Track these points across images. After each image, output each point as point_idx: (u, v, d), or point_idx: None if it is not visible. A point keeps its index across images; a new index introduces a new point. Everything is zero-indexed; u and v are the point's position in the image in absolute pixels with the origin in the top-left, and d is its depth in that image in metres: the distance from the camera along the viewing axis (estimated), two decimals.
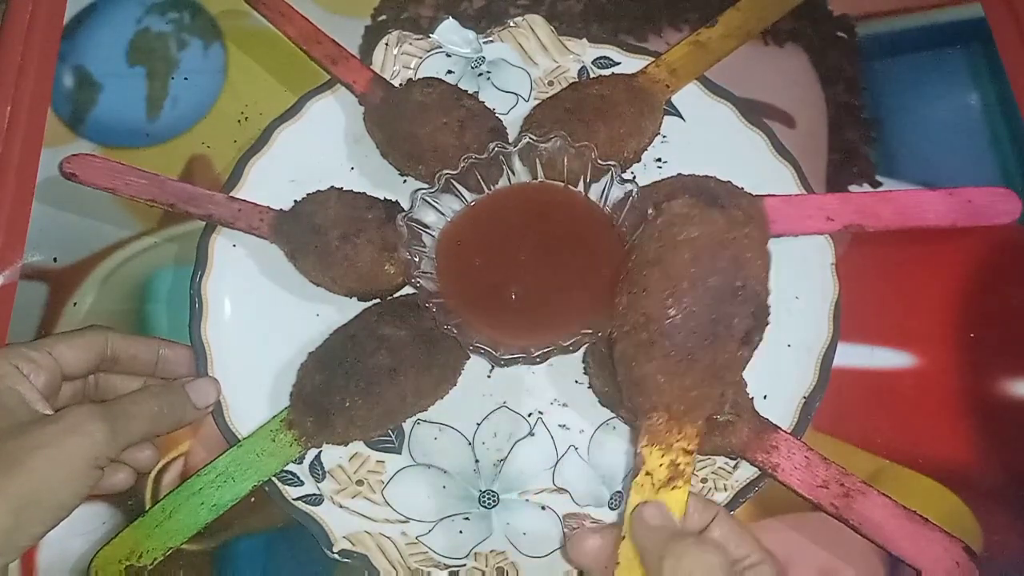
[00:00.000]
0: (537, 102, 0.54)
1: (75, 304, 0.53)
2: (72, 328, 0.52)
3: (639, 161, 0.54)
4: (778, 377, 0.48)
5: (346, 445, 0.47)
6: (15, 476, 0.38)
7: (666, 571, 0.34)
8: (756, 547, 0.37)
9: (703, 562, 0.34)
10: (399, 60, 0.58)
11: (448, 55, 0.58)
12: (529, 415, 0.48)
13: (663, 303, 0.38)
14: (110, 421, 0.41)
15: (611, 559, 0.36)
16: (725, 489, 0.46)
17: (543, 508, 0.46)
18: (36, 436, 0.39)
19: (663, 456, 0.38)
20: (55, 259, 0.54)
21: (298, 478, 0.47)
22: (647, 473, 0.37)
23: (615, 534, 0.37)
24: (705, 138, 0.55)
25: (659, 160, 0.54)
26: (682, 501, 0.37)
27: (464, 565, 0.45)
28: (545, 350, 0.44)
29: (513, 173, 0.49)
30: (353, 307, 0.49)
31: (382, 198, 0.50)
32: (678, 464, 0.37)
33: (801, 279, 0.50)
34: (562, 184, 0.49)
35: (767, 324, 0.39)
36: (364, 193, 0.50)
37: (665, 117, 0.54)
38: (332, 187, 0.50)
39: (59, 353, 0.44)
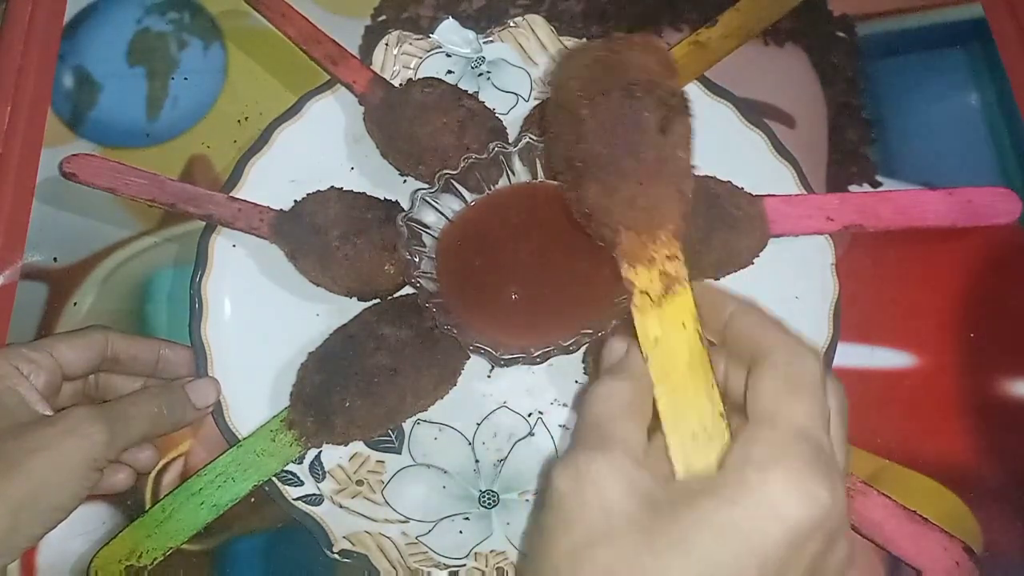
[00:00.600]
0: (537, 102, 0.54)
1: (75, 304, 0.53)
2: (72, 328, 0.52)
3: None
4: None
5: (346, 445, 0.47)
6: (13, 478, 0.38)
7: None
8: (770, 336, 0.33)
9: None
10: (399, 60, 0.58)
11: (448, 55, 0.58)
12: (529, 415, 0.48)
13: (573, 136, 0.38)
14: (109, 423, 0.41)
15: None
16: None
17: None
18: (35, 438, 0.39)
19: (650, 271, 0.35)
20: (55, 259, 0.54)
21: (298, 478, 0.47)
22: (642, 292, 0.35)
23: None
24: (705, 138, 0.54)
25: None
26: (689, 303, 0.34)
27: (464, 565, 0.45)
28: (545, 350, 0.44)
29: (513, 173, 0.49)
30: (353, 307, 0.49)
31: (382, 198, 0.50)
32: (667, 272, 0.35)
33: (801, 279, 0.50)
34: None
35: (687, 108, 0.38)
36: (364, 193, 0.50)
37: None
38: (332, 187, 0.50)
39: (60, 353, 0.44)
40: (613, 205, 0.37)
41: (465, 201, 0.49)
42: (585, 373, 0.48)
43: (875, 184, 0.55)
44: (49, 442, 0.39)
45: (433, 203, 0.48)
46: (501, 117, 0.54)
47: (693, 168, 0.38)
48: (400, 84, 0.55)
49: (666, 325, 0.34)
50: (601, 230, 0.38)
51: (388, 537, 0.46)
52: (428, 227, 0.48)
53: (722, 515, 0.28)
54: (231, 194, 0.52)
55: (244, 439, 0.46)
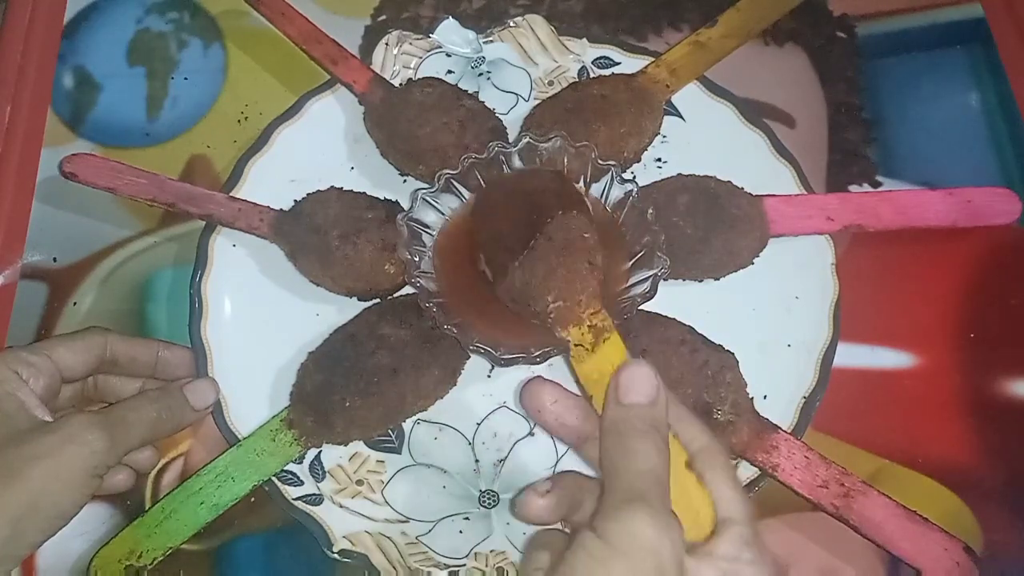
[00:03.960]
0: (537, 102, 0.54)
1: (75, 304, 0.53)
2: (72, 328, 0.52)
3: (639, 161, 0.54)
4: (778, 377, 0.48)
5: (346, 445, 0.47)
6: (13, 486, 0.38)
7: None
8: (702, 431, 0.36)
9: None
10: (399, 60, 0.58)
11: (448, 55, 0.58)
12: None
13: (495, 246, 0.44)
14: (108, 429, 0.41)
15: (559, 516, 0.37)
16: None
17: None
18: (35, 446, 0.39)
19: (581, 327, 0.40)
20: (55, 259, 0.54)
21: (298, 478, 0.47)
22: (576, 345, 0.39)
23: (559, 494, 0.37)
24: (705, 138, 0.55)
25: (659, 160, 0.54)
26: (619, 346, 0.39)
27: (464, 565, 0.45)
28: (545, 350, 0.44)
29: None
30: (353, 307, 0.49)
31: (382, 198, 0.50)
32: (596, 325, 0.40)
33: (801, 279, 0.50)
34: None
35: (582, 203, 0.44)
36: (364, 193, 0.50)
37: (665, 117, 0.54)
38: (332, 187, 0.50)
39: (58, 356, 0.44)
40: (536, 285, 0.42)
41: (465, 201, 0.49)
42: None
43: (875, 184, 0.55)
44: (49, 450, 0.39)
45: (433, 203, 0.48)
46: (501, 117, 0.54)
47: (597, 245, 0.43)
48: (400, 84, 0.55)
49: (603, 365, 0.38)
50: (533, 306, 0.42)
51: (388, 537, 0.46)
52: (428, 227, 0.48)
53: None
54: (231, 194, 0.53)
55: (244, 439, 0.46)
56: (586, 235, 0.43)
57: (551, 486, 0.37)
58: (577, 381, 0.39)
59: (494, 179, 0.48)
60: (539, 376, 0.41)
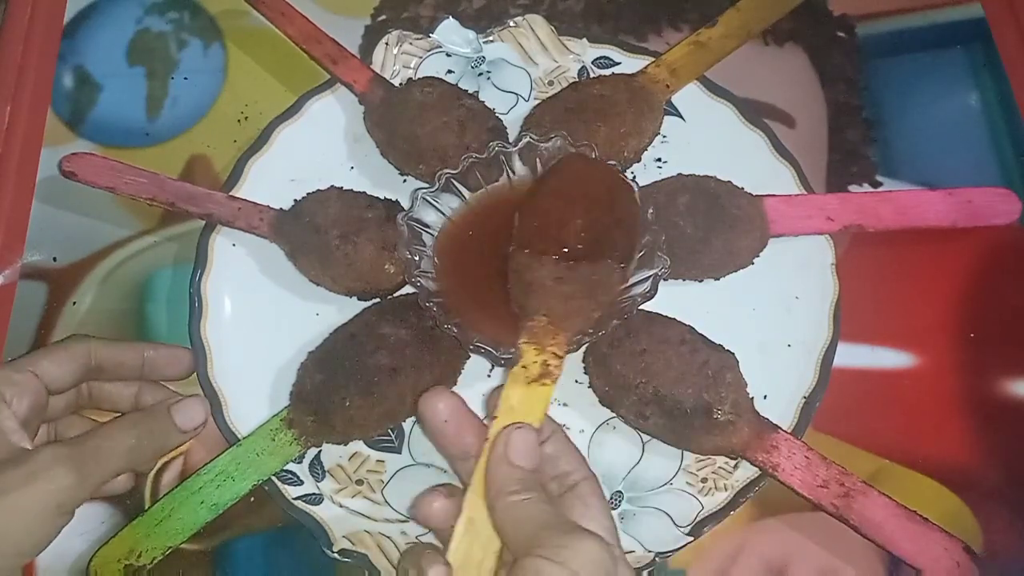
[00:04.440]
0: (537, 102, 0.54)
1: (75, 303, 0.53)
2: (72, 328, 0.52)
3: (639, 161, 0.54)
4: (778, 377, 0.48)
5: (346, 444, 0.47)
6: None
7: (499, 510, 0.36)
8: (582, 465, 0.40)
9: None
10: (399, 60, 0.58)
11: (448, 55, 0.58)
12: None
13: (558, 224, 0.43)
14: (78, 464, 0.39)
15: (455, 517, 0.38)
16: (725, 489, 0.46)
17: None
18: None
19: (538, 355, 0.41)
20: (55, 258, 0.54)
21: (298, 477, 0.47)
22: (523, 366, 0.40)
23: (461, 497, 0.38)
24: (705, 138, 0.55)
25: (659, 160, 0.54)
26: (547, 398, 0.39)
27: None
28: None
29: (513, 172, 0.49)
30: (353, 306, 0.49)
31: (382, 197, 0.50)
32: (549, 365, 0.40)
33: (801, 279, 0.50)
34: None
35: (634, 256, 0.45)
36: (364, 192, 0.50)
37: (665, 117, 0.54)
38: (332, 186, 0.50)
39: (43, 370, 0.42)
40: (552, 289, 0.42)
41: (465, 200, 0.49)
42: (585, 373, 0.48)
43: (875, 184, 0.55)
44: (12, 486, 0.37)
45: (433, 202, 0.48)
46: (501, 117, 0.54)
47: (611, 300, 0.44)
48: (400, 84, 0.55)
49: (525, 403, 0.39)
50: (526, 300, 0.43)
51: (388, 537, 0.45)
52: (428, 226, 0.48)
53: None
54: (231, 193, 0.52)
55: (244, 438, 0.46)
56: (615, 287, 0.44)
57: (452, 491, 0.39)
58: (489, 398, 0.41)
59: (587, 160, 0.47)
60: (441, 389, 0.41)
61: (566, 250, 0.43)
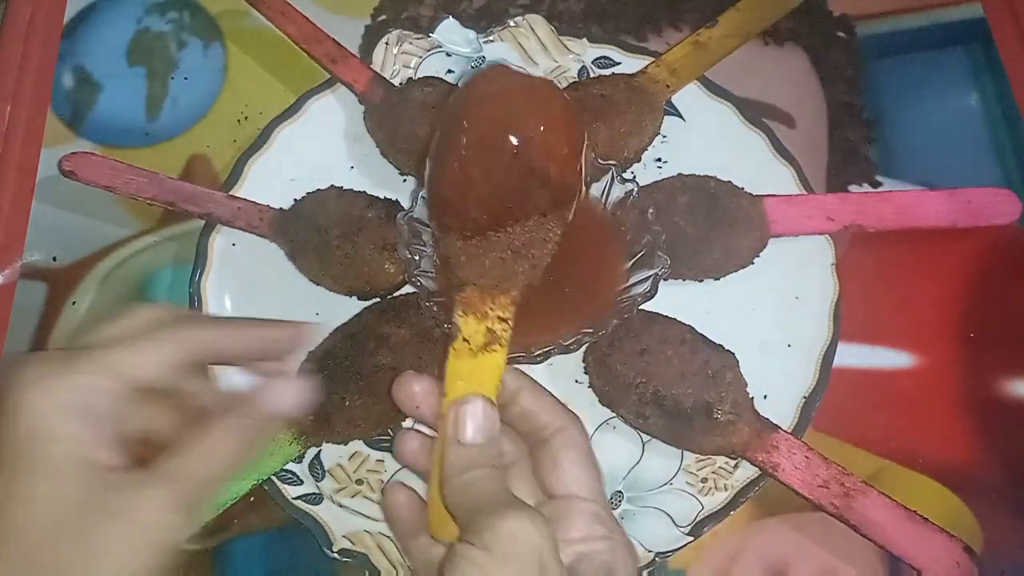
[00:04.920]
0: None
1: (74, 303, 0.53)
2: (71, 328, 0.52)
3: (639, 161, 0.54)
4: (778, 377, 0.48)
5: (346, 444, 0.47)
6: None
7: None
8: (558, 415, 0.39)
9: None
10: (399, 59, 0.58)
11: (448, 54, 0.58)
12: None
13: (457, 186, 0.38)
14: (185, 506, 0.31)
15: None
16: (725, 489, 0.46)
17: None
18: (97, 540, 0.29)
19: (479, 323, 0.39)
20: (54, 258, 0.54)
21: (298, 477, 0.47)
22: (464, 339, 0.38)
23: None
24: (705, 138, 0.55)
25: (659, 160, 0.54)
26: (499, 364, 0.38)
27: None
28: (545, 349, 0.44)
29: None
30: (353, 306, 0.49)
31: (382, 197, 0.50)
32: (494, 330, 0.38)
33: (801, 279, 0.50)
34: None
35: (571, 201, 0.40)
36: (364, 192, 0.50)
37: (665, 117, 0.54)
38: (332, 186, 0.50)
39: (130, 371, 0.32)
40: (467, 265, 0.40)
41: None
42: (585, 373, 0.48)
43: (875, 184, 0.55)
44: (116, 546, 0.30)
45: None
46: None
47: (551, 250, 0.40)
48: (400, 83, 0.55)
49: (474, 375, 0.37)
50: (448, 273, 0.40)
51: (388, 536, 0.45)
52: (428, 226, 0.48)
53: None
54: (231, 193, 0.53)
55: None
56: (552, 235, 0.40)
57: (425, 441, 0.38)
58: (440, 370, 0.38)
59: (498, 77, 0.39)
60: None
61: (472, 226, 0.39)
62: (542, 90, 0.38)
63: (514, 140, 0.37)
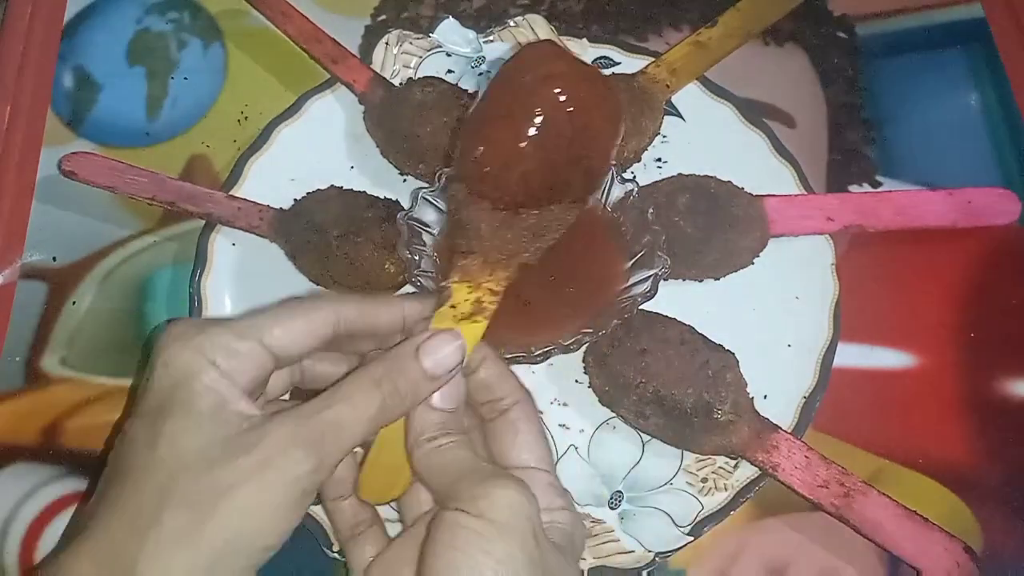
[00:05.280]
0: None
1: (74, 303, 0.53)
2: (71, 328, 0.52)
3: (639, 161, 0.54)
4: (778, 377, 0.48)
5: None
6: (205, 525, 0.31)
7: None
8: (516, 389, 0.39)
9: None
10: (399, 59, 0.58)
11: (448, 54, 0.58)
12: None
13: (503, 159, 0.38)
14: (316, 445, 0.32)
15: None
16: (725, 489, 0.46)
17: None
18: (228, 473, 0.31)
19: (471, 292, 0.38)
20: (54, 258, 0.54)
21: None
22: (452, 305, 0.37)
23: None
24: (705, 138, 0.55)
25: (659, 160, 0.54)
26: (479, 334, 0.37)
27: None
28: (545, 349, 0.44)
29: None
30: None
31: (382, 197, 0.50)
32: (482, 301, 0.38)
33: (801, 279, 0.50)
34: None
35: (596, 191, 0.41)
36: (364, 192, 0.50)
37: (665, 117, 0.54)
38: (332, 186, 0.50)
39: (273, 340, 0.35)
40: (487, 236, 0.39)
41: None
42: (585, 373, 0.48)
43: (875, 184, 0.55)
44: (244, 478, 0.31)
45: (433, 202, 0.48)
46: None
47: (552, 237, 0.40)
48: (400, 83, 0.55)
49: None
50: (459, 240, 0.40)
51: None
52: (428, 226, 0.48)
53: None
54: (231, 193, 0.53)
55: None
56: (569, 221, 0.40)
57: None
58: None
59: (562, 59, 0.38)
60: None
61: (509, 198, 0.38)
62: (606, 83, 0.38)
63: (574, 126, 0.37)
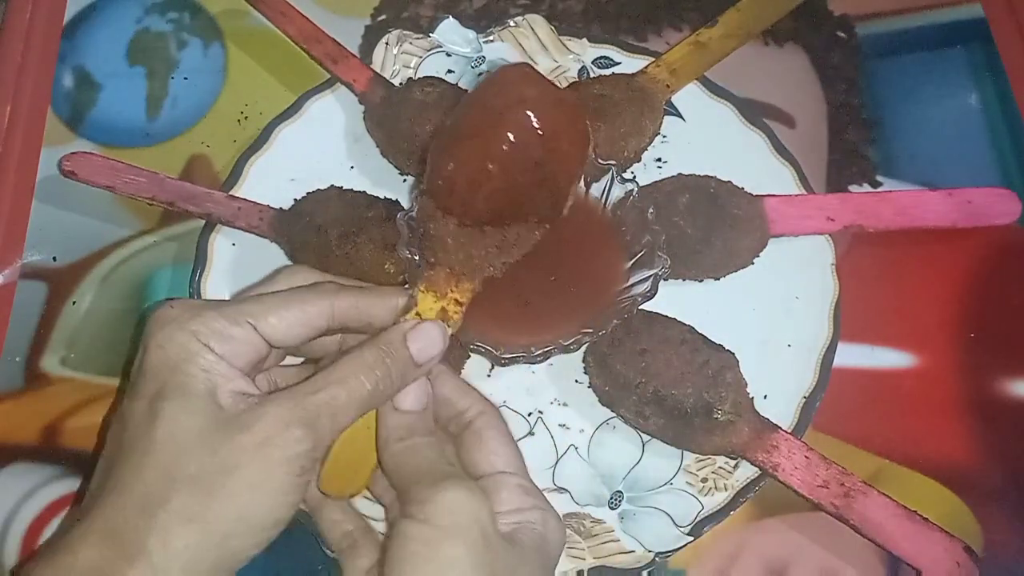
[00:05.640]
0: None
1: (74, 303, 0.53)
2: (71, 328, 0.52)
3: (639, 161, 0.54)
4: (778, 377, 0.48)
5: None
6: (213, 504, 0.31)
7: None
8: (477, 400, 0.39)
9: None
10: (399, 59, 0.58)
11: (448, 54, 0.58)
12: (529, 415, 0.48)
13: (470, 178, 0.39)
14: (311, 424, 0.33)
15: None
16: (725, 489, 0.46)
17: None
18: (229, 451, 0.32)
19: (436, 302, 0.39)
20: (54, 258, 0.54)
21: None
22: (417, 313, 0.38)
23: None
24: (705, 138, 0.55)
25: (659, 160, 0.54)
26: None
27: None
28: (546, 349, 0.43)
29: None
30: None
31: (382, 197, 0.50)
32: (447, 311, 0.39)
33: (801, 279, 0.50)
34: None
35: (561, 213, 0.41)
36: (364, 192, 0.50)
37: (665, 117, 0.54)
38: (332, 186, 0.50)
39: (268, 329, 0.36)
40: (454, 250, 0.40)
41: None
42: (585, 373, 0.48)
43: (875, 184, 0.55)
44: (247, 456, 0.32)
45: None
46: None
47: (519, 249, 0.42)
48: (400, 83, 0.55)
49: None
50: (426, 252, 0.41)
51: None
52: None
53: None
54: (231, 193, 0.53)
55: None
56: (534, 239, 0.41)
57: None
58: None
59: (533, 82, 0.39)
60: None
61: (474, 216, 0.39)
62: (575, 109, 0.40)
63: (542, 150, 0.38)
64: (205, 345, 0.34)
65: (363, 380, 0.35)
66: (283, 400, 0.33)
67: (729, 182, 0.50)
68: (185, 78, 0.60)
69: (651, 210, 0.46)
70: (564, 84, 0.56)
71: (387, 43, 0.58)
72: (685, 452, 0.47)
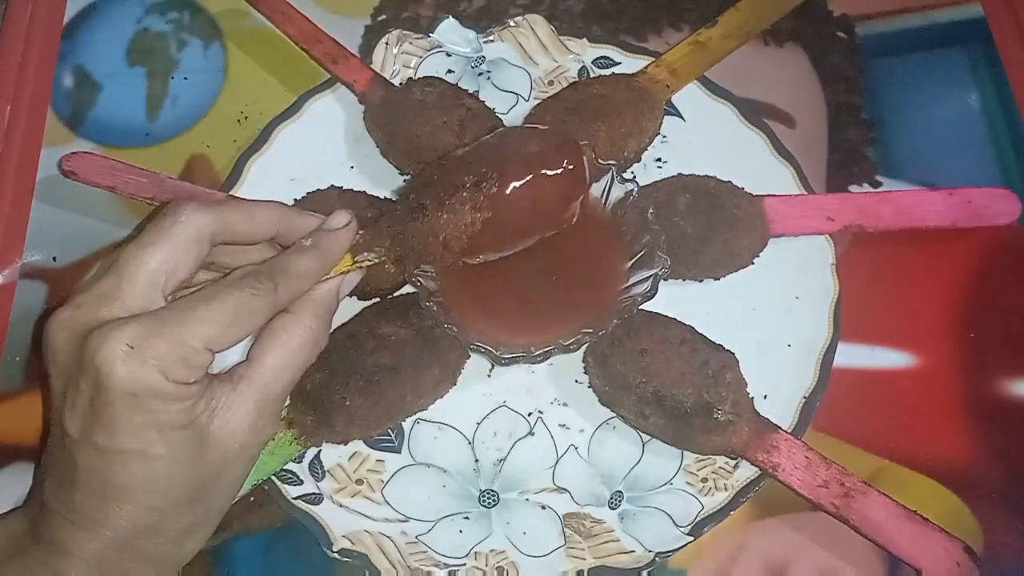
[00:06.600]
0: (537, 102, 0.54)
1: None
2: None
3: (639, 161, 0.54)
4: (778, 377, 0.48)
5: (346, 444, 0.47)
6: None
7: None
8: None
9: None
10: (399, 59, 0.58)
11: (448, 54, 0.58)
12: (529, 414, 0.48)
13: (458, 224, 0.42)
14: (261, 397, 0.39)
15: None
16: (725, 489, 0.46)
17: (543, 507, 0.46)
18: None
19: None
20: (54, 258, 0.54)
21: (298, 477, 0.47)
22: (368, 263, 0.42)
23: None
24: (705, 138, 0.55)
25: (659, 160, 0.54)
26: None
27: (464, 564, 0.45)
28: (546, 349, 0.44)
29: None
30: (353, 306, 0.49)
31: (382, 197, 0.50)
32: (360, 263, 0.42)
33: (801, 279, 0.50)
34: None
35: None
36: (364, 192, 0.51)
37: (665, 117, 0.54)
38: (332, 186, 0.51)
39: (232, 223, 0.38)
40: (426, 250, 0.42)
41: None
42: (585, 372, 0.48)
43: (875, 184, 0.55)
44: (222, 391, 0.40)
45: None
46: (501, 116, 0.54)
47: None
48: (400, 83, 0.55)
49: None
50: (400, 241, 0.42)
51: (388, 536, 0.45)
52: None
53: None
54: (231, 193, 0.53)
55: None
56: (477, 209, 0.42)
57: None
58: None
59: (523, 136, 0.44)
60: None
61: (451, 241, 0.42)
62: (580, 175, 0.43)
63: (535, 209, 0.42)
64: (152, 372, 0.36)
65: (307, 257, 0.39)
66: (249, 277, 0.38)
67: (729, 182, 0.50)
68: (185, 78, 0.60)
69: (651, 210, 0.46)
70: (564, 84, 0.56)
71: (387, 43, 0.58)
72: (685, 452, 0.47)
